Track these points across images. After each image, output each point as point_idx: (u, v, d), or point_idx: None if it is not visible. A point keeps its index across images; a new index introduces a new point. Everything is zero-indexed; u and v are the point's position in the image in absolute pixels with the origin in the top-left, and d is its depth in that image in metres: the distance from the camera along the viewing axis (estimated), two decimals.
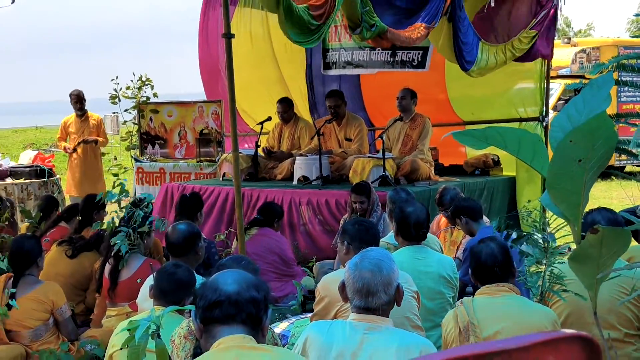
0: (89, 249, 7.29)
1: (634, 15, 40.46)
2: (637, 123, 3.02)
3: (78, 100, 12.41)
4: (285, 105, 10.63)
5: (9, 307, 5.14)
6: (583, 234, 2.46)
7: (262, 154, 10.47)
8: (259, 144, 10.36)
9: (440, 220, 8.11)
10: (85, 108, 12.52)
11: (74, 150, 12.26)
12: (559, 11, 10.36)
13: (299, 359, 3.14)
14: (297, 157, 9.76)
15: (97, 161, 12.73)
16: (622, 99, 17.46)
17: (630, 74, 3.34)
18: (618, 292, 4.69)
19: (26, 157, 12.97)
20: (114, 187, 7.24)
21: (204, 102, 11.70)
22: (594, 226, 2.44)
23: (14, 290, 5.73)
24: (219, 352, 2.78)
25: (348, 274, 3.58)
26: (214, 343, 2.83)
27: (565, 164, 2.38)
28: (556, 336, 1.51)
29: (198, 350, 3.53)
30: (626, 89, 16.93)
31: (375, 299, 3.49)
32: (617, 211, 5.73)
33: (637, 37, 32.71)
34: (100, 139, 12.63)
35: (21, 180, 11.38)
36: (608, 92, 2.74)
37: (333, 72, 10.78)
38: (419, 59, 10.32)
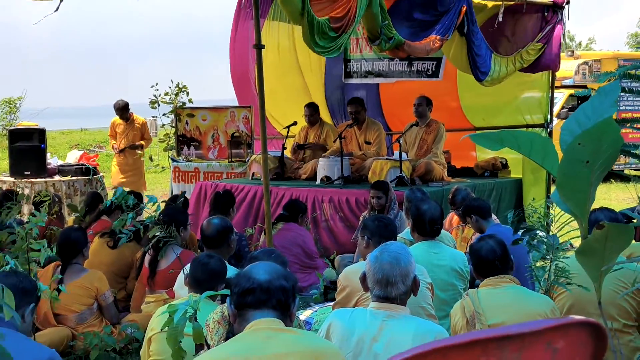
0: (129, 240, 7.32)
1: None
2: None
3: (122, 111, 12.73)
4: (312, 109, 10.68)
5: (58, 291, 5.16)
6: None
7: (289, 156, 10.51)
8: (285, 146, 10.39)
9: (452, 218, 8.09)
10: (130, 111, 12.76)
11: (121, 151, 12.46)
12: (563, 26, 10.33)
13: (323, 340, 3.14)
14: (320, 159, 9.78)
15: (139, 161, 12.94)
16: (621, 108, 17.35)
17: (629, 83, 3.33)
18: (618, 285, 4.67)
19: (73, 157, 13.02)
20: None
21: (235, 107, 11.72)
22: (600, 222, 2.44)
23: (61, 277, 5.77)
24: (252, 333, 2.81)
25: (369, 266, 3.58)
26: (246, 326, 2.85)
27: (573, 165, 2.37)
28: (566, 322, 1.51)
29: (230, 335, 3.54)
30: (625, 98, 16.87)
31: (394, 289, 3.49)
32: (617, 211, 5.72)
33: (636, 49, 32.49)
34: (144, 142, 12.96)
35: (68, 178, 11.42)
36: (615, 99, 2.73)
37: (354, 80, 10.80)
38: (433, 69, 10.33)
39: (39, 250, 5.23)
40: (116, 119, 12.94)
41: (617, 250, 2.54)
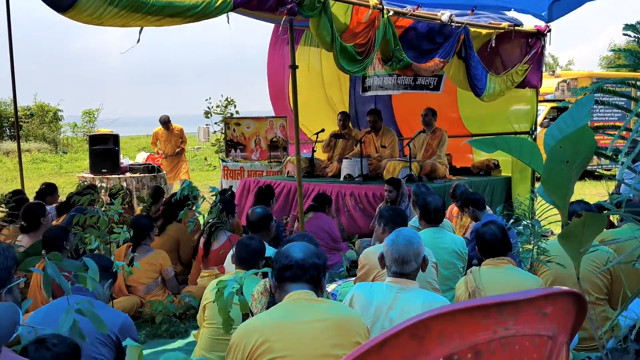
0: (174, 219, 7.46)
1: (610, 51, 39.69)
2: (612, 134, 2.98)
3: (166, 123, 13.06)
4: (345, 116, 10.72)
5: (130, 264, 5.20)
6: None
7: (318, 157, 10.54)
8: (314, 149, 10.41)
9: (452, 209, 8.07)
10: (169, 121, 13.08)
11: (166, 157, 12.67)
12: (545, 50, 10.29)
13: (349, 309, 3.15)
14: (343, 159, 9.82)
15: (183, 161, 13.27)
16: (595, 118, 17.25)
17: (602, 97, 3.31)
18: (592, 265, 4.65)
19: (141, 157, 13.15)
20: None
21: (273, 117, 11.76)
22: (578, 212, 2.43)
23: (136, 255, 5.82)
24: (290, 302, 2.83)
25: (386, 247, 3.59)
26: (285, 296, 2.87)
27: (556, 164, 2.37)
28: (554, 291, 1.51)
29: (272, 304, 3.55)
30: (597, 109, 16.79)
31: (408, 266, 3.50)
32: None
33: (607, 70, 32.20)
34: (183, 146, 13.32)
35: (137, 175, 11.52)
36: (589, 110, 2.72)
37: (369, 93, 10.82)
38: (435, 84, 10.34)
39: (118, 233, 5.30)
40: (159, 129, 13.24)
41: (593, 235, 2.54)
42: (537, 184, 10.63)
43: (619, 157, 2.80)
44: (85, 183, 9.68)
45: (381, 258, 3.64)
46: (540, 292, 1.46)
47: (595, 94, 3.01)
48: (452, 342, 1.37)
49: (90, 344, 3.58)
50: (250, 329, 2.76)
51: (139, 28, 5.79)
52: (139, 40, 5.79)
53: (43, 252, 5.56)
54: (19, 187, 8.98)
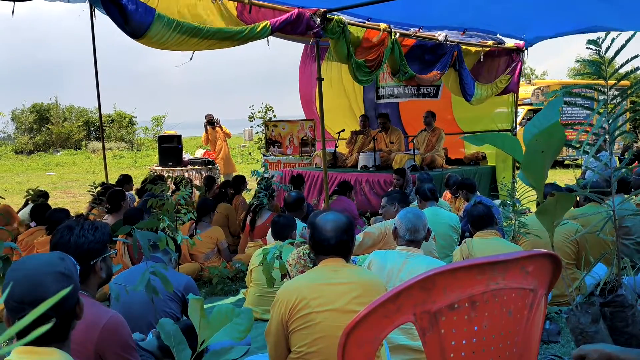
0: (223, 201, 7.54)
1: (576, 62, 39.14)
2: (577, 129, 2.97)
3: (210, 122, 12.90)
4: (365, 118, 10.75)
5: (191, 236, 5.24)
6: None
7: (340, 152, 10.54)
8: (337, 145, 10.42)
9: (446, 195, 8.04)
10: (214, 122, 12.95)
11: (219, 153, 12.69)
12: (523, 63, 10.19)
13: (373, 274, 3.10)
14: (360, 153, 9.81)
15: (229, 155, 13.17)
16: (563, 117, 17.04)
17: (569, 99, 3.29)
18: (562, 236, 4.62)
19: (199, 153, 13.22)
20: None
21: (303, 120, 11.74)
22: (552, 192, 2.42)
23: (198, 232, 5.88)
24: (324, 267, 2.83)
25: (399, 221, 3.59)
26: (320, 262, 2.87)
27: (533, 154, 2.36)
28: (534, 253, 1.51)
29: (312, 266, 3.54)
30: (566, 110, 16.61)
31: (418, 235, 3.51)
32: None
33: (574, 78, 31.76)
34: (226, 144, 13.10)
35: (196, 167, 11.61)
36: (558, 109, 2.70)
37: (382, 101, 10.79)
38: (434, 92, 10.28)
39: (184, 214, 5.37)
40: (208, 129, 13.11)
41: (563, 211, 2.52)
42: (517, 171, 10.55)
43: (583, 147, 2.78)
44: (155, 174, 9.76)
45: (394, 230, 3.64)
46: (523, 253, 1.47)
47: (564, 97, 3.00)
48: (453, 293, 1.38)
49: (163, 300, 3.64)
50: (291, 289, 2.77)
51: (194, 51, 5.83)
52: (191, 57, 5.81)
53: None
54: (104, 178, 9.09)
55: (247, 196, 8.19)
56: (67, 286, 1.66)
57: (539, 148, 2.34)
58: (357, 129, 10.65)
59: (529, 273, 1.47)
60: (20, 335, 1.66)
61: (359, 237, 4.73)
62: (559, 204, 2.47)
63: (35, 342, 1.60)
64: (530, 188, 4.21)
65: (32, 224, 6.35)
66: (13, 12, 4.90)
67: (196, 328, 2.07)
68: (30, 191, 7.66)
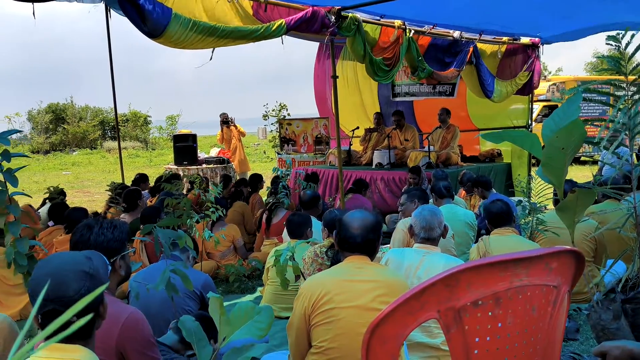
0: (238, 199, 7.56)
1: (595, 57, 38.76)
2: (599, 125, 2.94)
3: (224, 120, 12.84)
4: (379, 115, 10.70)
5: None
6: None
7: (354, 149, 10.52)
8: (351, 143, 10.40)
9: (461, 193, 8.01)
10: (229, 121, 12.91)
11: (234, 152, 12.72)
12: (539, 60, 10.10)
13: (396, 273, 3.07)
14: (375, 151, 9.79)
15: (243, 154, 13.13)
16: (580, 114, 16.89)
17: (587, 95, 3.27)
18: (581, 233, 4.58)
19: (214, 152, 13.28)
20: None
21: (317, 118, 11.73)
22: (573, 188, 2.41)
23: (222, 228, 5.89)
24: (348, 264, 2.82)
25: (414, 219, 3.58)
26: (345, 259, 2.87)
27: (553, 151, 2.35)
28: (558, 249, 1.51)
29: (334, 262, 3.55)
30: (583, 106, 16.44)
31: (433, 232, 3.50)
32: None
33: (590, 74, 31.48)
34: (241, 143, 13.06)
35: (211, 166, 11.66)
36: (578, 105, 2.68)
37: (398, 99, 10.74)
38: (450, 90, 10.20)
39: (213, 212, 5.39)
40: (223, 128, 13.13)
41: (584, 208, 2.51)
42: (533, 168, 10.48)
43: (602, 143, 2.76)
44: (171, 172, 9.83)
45: (410, 228, 3.63)
46: (547, 250, 1.46)
47: (583, 94, 2.98)
48: (477, 290, 1.38)
49: (181, 298, 3.67)
50: (316, 283, 2.77)
51: (210, 49, 5.85)
52: (211, 57, 5.84)
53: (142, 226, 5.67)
54: (120, 178, 9.16)
55: (263, 194, 8.22)
56: (89, 285, 1.69)
57: (559, 145, 2.33)
58: (371, 127, 10.64)
59: (552, 270, 1.46)
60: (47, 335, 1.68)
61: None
62: (580, 201, 2.46)
63: (60, 340, 1.63)
64: (547, 185, 4.19)
65: (50, 223, 6.42)
66: (34, 13, 4.95)
67: (217, 325, 2.09)
68: (51, 188, 7.75)
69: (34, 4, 4.99)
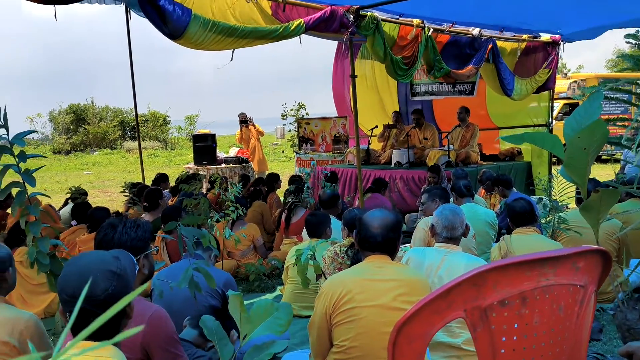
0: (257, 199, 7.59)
1: (617, 57, 38.23)
2: (622, 125, 2.91)
3: (243, 120, 12.86)
4: (398, 114, 10.70)
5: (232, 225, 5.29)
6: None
7: (374, 149, 10.51)
8: (370, 142, 10.39)
9: (481, 192, 7.96)
10: (247, 120, 12.91)
11: (253, 152, 12.75)
12: (559, 57, 10.00)
13: (417, 272, 3.06)
14: (394, 149, 9.77)
15: (262, 154, 13.14)
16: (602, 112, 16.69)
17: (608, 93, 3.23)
18: (604, 232, 4.54)
19: (233, 151, 13.33)
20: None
21: (336, 117, 11.74)
22: (596, 188, 2.39)
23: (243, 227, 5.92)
24: (369, 263, 2.82)
25: (436, 218, 3.56)
26: (365, 258, 2.87)
27: (575, 151, 2.33)
28: (586, 249, 1.50)
29: (355, 261, 3.55)
30: (604, 104, 16.25)
31: (455, 232, 3.48)
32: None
33: (611, 71, 31.09)
34: (259, 142, 13.07)
35: (230, 165, 11.71)
36: (600, 103, 2.66)
37: (417, 98, 10.72)
38: (469, 89, 10.15)
39: (233, 211, 5.43)
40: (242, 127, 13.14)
41: (608, 207, 2.48)
42: (554, 167, 10.39)
43: (622, 141, 2.73)
44: (190, 172, 9.89)
45: (432, 228, 3.62)
46: (575, 249, 1.45)
47: (604, 92, 2.94)
48: (504, 289, 1.37)
49: (203, 296, 3.70)
50: (337, 282, 2.77)
51: (230, 50, 5.88)
52: (232, 58, 5.88)
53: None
54: (140, 177, 9.25)
55: (280, 194, 8.25)
56: (116, 284, 1.71)
57: (581, 145, 2.31)
58: (390, 123, 10.63)
59: (579, 269, 1.45)
60: (74, 331, 1.71)
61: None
62: (604, 200, 2.43)
63: (90, 339, 1.65)
64: (569, 184, 4.13)
65: (74, 222, 6.50)
66: (55, 15, 5.01)
67: (237, 323, 2.11)
68: (73, 188, 7.86)
69: (56, 6, 5.05)
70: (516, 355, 1.40)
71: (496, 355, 1.39)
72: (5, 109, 2.63)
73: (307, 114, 16.61)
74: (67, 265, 1.75)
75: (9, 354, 2.60)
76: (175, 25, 4.84)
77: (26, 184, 2.74)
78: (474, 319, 1.36)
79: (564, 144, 2.45)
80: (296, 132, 12.89)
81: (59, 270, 2.77)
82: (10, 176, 2.73)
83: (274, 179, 8.44)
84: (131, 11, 7.64)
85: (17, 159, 2.67)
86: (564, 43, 9.78)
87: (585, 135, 2.33)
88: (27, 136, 2.78)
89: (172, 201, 7.65)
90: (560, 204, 5.30)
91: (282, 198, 8.08)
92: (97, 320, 0.68)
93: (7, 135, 2.65)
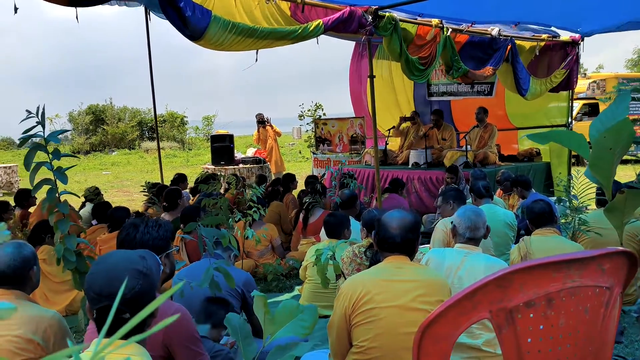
0: (275, 199, 7.62)
1: (635, 54, 37.71)
2: None
3: (260, 120, 12.89)
4: (415, 113, 10.68)
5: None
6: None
7: (391, 149, 10.49)
8: (387, 142, 10.37)
9: (499, 192, 7.91)
10: (265, 121, 12.93)
11: (270, 152, 12.78)
12: (579, 57, 9.89)
13: (437, 273, 3.05)
14: (411, 150, 9.74)
15: (279, 154, 13.14)
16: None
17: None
18: (626, 234, 4.48)
19: (250, 152, 13.40)
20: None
21: (353, 117, 11.74)
22: (621, 189, 2.36)
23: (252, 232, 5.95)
24: (388, 264, 2.82)
25: (458, 219, 3.54)
26: (384, 259, 2.87)
27: (601, 151, 2.31)
28: (611, 250, 1.48)
29: (373, 262, 3.55)
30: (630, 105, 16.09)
31: (478, 232, 3.46)
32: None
33: (631, 71, 30.70)
34: (276, 143, 13.08)
35: (247, 166, 11.77)
36: (627, 104, 2.63)
37: (434, 98, 10.68)
38: (488, 90, 10.09)
39: (255, 211, 5.46)
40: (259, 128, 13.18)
41: (633, 208, 2.46)
42: (573, 168, 10.27)
43: None
44: (208, 173, 9.95)
45: (454, 229, 3.60)
46: (600, 251, 1.44)
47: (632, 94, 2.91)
48: (530, 291, 1.37)
49: (224, 295, 3.72)
50: (356, 282, 2.77)
51: (254, 51, 5.89)
52: (256, 59, 5.90)
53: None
54: (158, 177, 9.33)
55: (295, 194, 8.26)
56: (142, 283, 1.73)
57: (607, 145, 2.29)
58: (406, 115, 10.61)
59: (605, 271, 1.44)
60: (99, 329, 1.74)
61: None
62: (629, 202, 2.41)
63: (109, 335, 1.67)
64: (589, 185, 4.09)
65: (94, 222, 6.57)
66: (77, 17, 5.07)
67: (261, 324, 2.12)
68: (88, 190, 7.95)
69: (77, 8, 5.11)
70: (542, 356, 1.39)
71: (522, 356, 1.38)
72: (44, 107, 2.67)
73: (324, 114, 16.64)
74: (95, 264, 1.77)
75: (33, 352, 2.64)
76: (195, 27, 4.87)
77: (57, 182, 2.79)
78: (500, 320, 1.36)
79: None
80: (313, 133, 12.91)
81: (84, 268, 2.81)
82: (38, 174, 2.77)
83: (290, 179, 8.46)
84: (150, 13, 7.71)
85: (50, 157, 2.72)
86: (584, 41, 9.66)
87: (612, 134, 2.31)
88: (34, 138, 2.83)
89: (191, 201, 7.71)
90: (580, 205, 5.26)
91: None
92: (134, 319, 0.70)
93: (43, 132, 2.70)
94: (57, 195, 2.83)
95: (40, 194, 3.82)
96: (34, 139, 2.68)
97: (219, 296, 3.14)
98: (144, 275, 1.75)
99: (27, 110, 2.66)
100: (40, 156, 2.77)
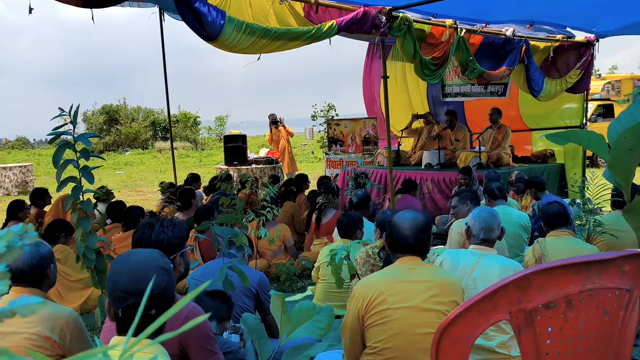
0: (288, 199, 7.62)
1: None
2: None
3: (273, 121, 12.88)
4: (430, 114, 10.65)
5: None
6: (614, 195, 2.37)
7: (404, 150, 10.46)
8: (400, 143, 10.34)
9: (511, 194, 7.86)
10: (278, 121, 12.92)
11: (282, 152, 12.78)
12: (594, 58, 9.81)
13: (450, 273, 3.05)
14: (424, 151, 9.72)
15: (292, 155, 13.10)
16: None
17: None
18: None
19: (263, 152, 13.42)
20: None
21: (366, 118, 11.71)
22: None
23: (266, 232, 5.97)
24: (401, 265, 2.81)
25: (473, 220, 3.52)
26: (397, 260, 2.86)
27: (620, 152, 2.30)
28: (631, 252, 1.47)
29: (386, 263, 3.54)
30: None
31: (492, 233, 3.45)
32: None
33: None
34: (289, 139, 13.04)
35: (260, 166, 11.79)
36: None
37: (449, 99, 10.63)
38: (502, 90, 10.03)
39: (269, 211, 5.47)
40: (272, 128, 13.18)
41: None
42: (588, 169, 10.19)
43: None
44: (226, 173, 9.99)
45: (467, 230, 3.58)
46: (620, 253, 1.43)
47: None
48: (549, 292, 1.36)
49: (237, 295, 3.73)
50: (369, 284, 2.77)
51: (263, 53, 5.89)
52: (259, 57, 5.89)
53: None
54: (171, 177, 9.36)
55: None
56: (167, 279, 1.76)
57: (626, 146, 2.27)
58: (419, 113, 10.58)
59: (625, 273, 1.43)
60: (120, 328, 1.76)
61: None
62: None
63: (135, 334, 1.68)
64: (605, 186, 4.06)
65: (108, 221, 6.62)
66: (93, 18, 5.11)
67: (277, 323, 2.12)
68: (100, 190, 8.00)
69: (93, 9, 5.14)
70: (561, 358, 1.38)
71: (540, 358, 1.37)
72: (78, 107, 2.72)
73: (336, 114, 16.65)
74: (116, 263, 1.79)
75: (50, 349, 2.67)
76: (210, 28, 4.89)
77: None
78: (519, 321, 1.35)
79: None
80: (325, 133, 12.91)
81: (102, 267, 2.83)
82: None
83: (303, 179, 8.47)
84: (165, 14, 7.76)
85: (78, 155, 2.77)
86: (599, 42, 9.58)
87: (631, 135, 2.30)
88: (63, 137, 2.86)
89: (205, 200, 7.74)
90: (595, 206, 5.22)
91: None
92: (161, 317, 0.71)
93: (73, 132, 2.74)
94: (81, 193, 2.86)
95: (54, 193, 3.87)
96: (63, 136, 2.74)
97: (215, 289, 3.14)
98: (167, 272, 1.78)
99: (59, 108, 2.72)
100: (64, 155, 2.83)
